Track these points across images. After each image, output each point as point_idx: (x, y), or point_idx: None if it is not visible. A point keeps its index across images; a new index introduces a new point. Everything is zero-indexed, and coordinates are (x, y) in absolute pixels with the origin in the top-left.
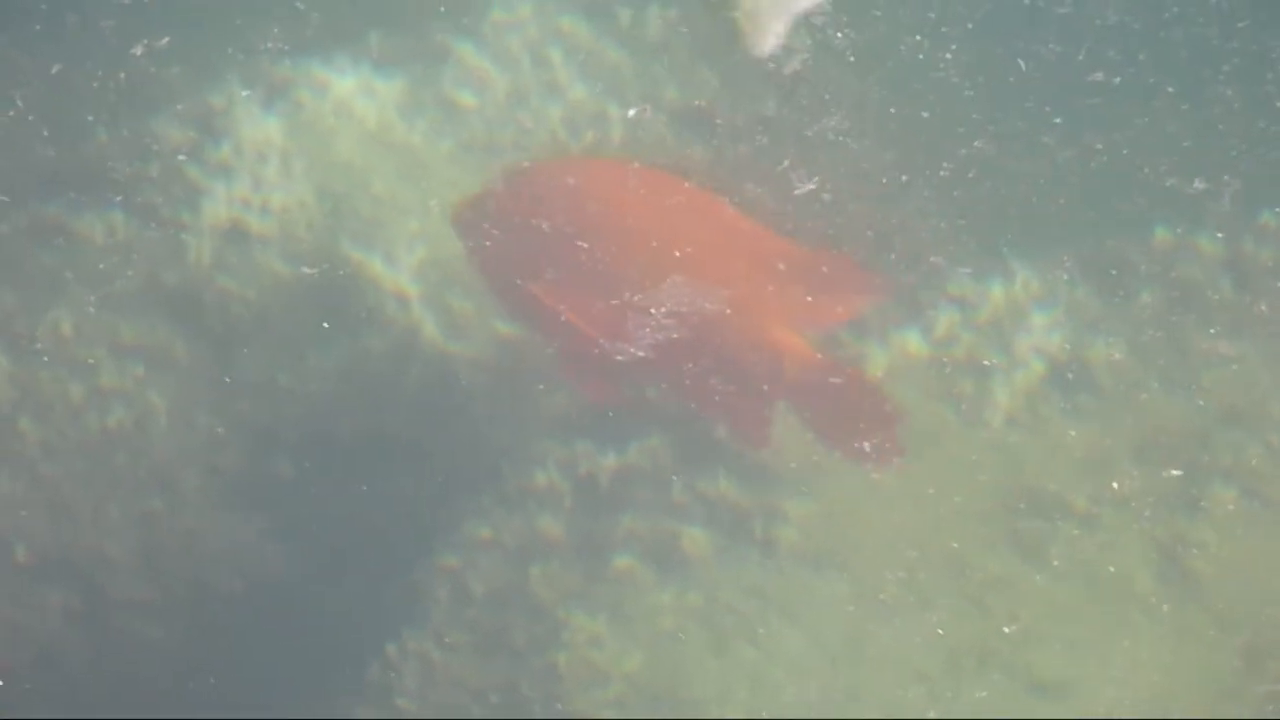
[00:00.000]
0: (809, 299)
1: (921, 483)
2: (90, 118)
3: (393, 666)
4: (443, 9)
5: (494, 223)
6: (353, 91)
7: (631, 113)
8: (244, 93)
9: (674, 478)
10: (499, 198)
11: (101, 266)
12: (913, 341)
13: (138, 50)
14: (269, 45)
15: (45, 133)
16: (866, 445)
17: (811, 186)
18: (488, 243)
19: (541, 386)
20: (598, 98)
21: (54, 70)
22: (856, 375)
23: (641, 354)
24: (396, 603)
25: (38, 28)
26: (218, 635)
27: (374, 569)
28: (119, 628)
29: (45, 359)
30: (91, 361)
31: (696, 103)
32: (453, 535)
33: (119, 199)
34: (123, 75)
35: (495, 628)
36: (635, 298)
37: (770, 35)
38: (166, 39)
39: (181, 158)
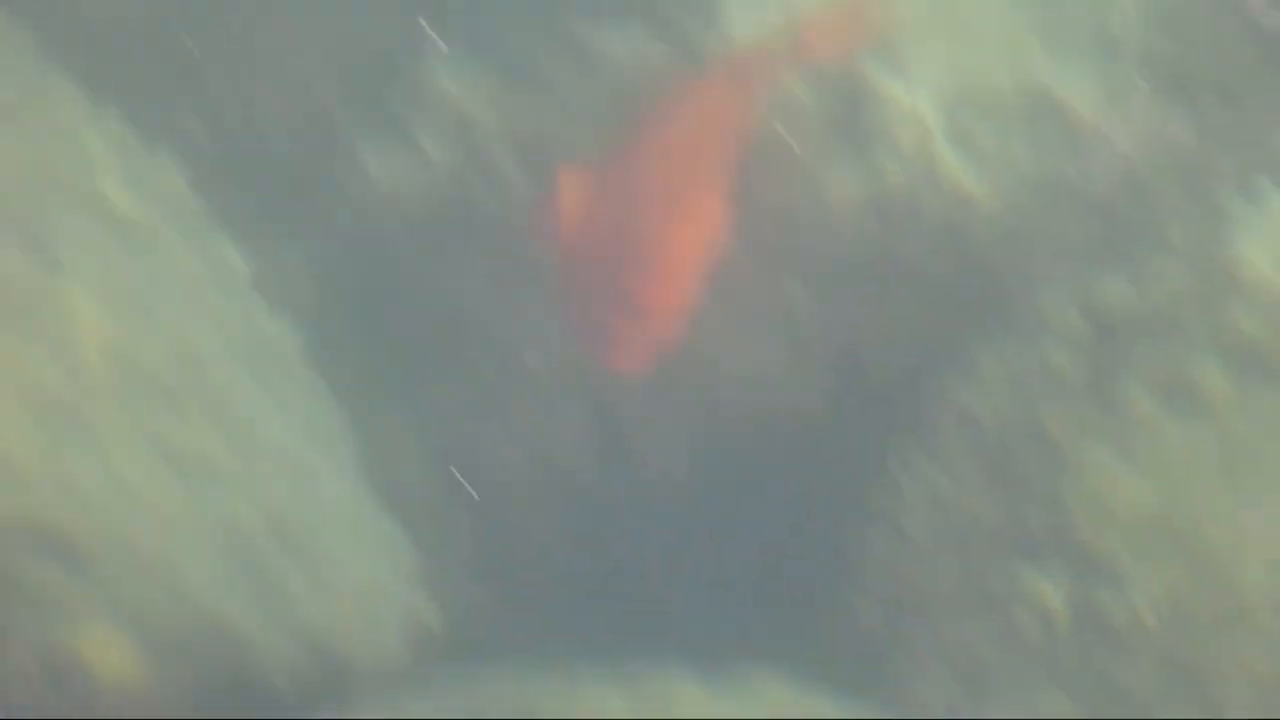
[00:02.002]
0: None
1: None
2: None
3: (898, 493)
4: None
5: None
6: None
7: None
8: None
9: (1192, 314)
10: None
11: None
12: None
13: None
14: None
15: None
16: None
17: None
18: None
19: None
20: None
21: None
22: None
23: None
24: (902, 430)
25: None
26: (728, 457)
27: (881, 396)
28: (631, 451)
29: None
30: None
31: None
32: (963, 366)
33: None
34: None
35: (1003, 459)
36: None
37: None
38: None
39: None
